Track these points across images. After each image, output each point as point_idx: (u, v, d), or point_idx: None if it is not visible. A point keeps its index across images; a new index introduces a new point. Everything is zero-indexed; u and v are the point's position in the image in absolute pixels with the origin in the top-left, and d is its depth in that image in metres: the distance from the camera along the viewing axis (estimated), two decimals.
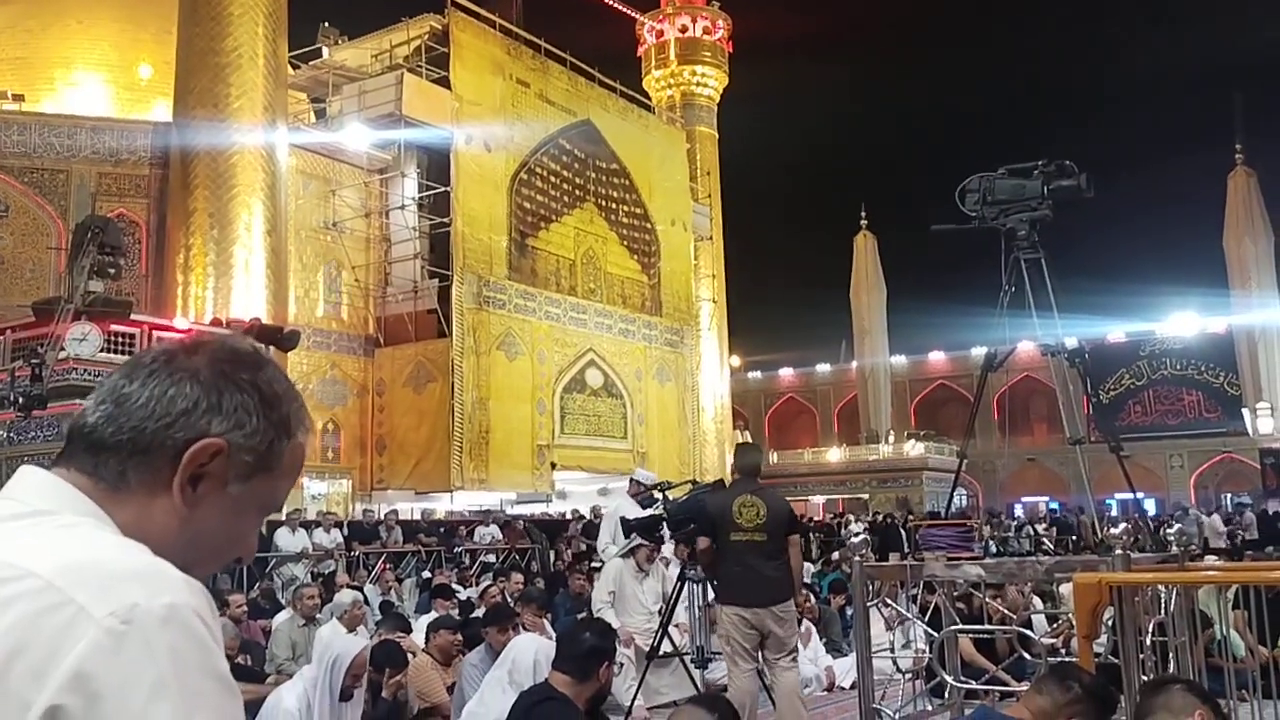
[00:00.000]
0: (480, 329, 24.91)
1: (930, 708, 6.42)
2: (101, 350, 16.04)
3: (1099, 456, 8.39)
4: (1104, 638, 5.30)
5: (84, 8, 25.66)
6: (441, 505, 24.52)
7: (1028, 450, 45.09)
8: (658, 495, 8.13)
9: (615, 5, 37.18)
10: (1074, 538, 22.20)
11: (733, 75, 38.57)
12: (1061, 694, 3.17)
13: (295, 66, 25.45)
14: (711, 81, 37.89)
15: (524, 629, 7.27)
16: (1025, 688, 3.87)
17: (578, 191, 29.07)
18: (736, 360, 43.14)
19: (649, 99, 36.01)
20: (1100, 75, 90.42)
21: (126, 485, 1.02)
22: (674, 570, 8.68)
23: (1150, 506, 35.26)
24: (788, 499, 7.23)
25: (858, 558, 5.96)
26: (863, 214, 47.53)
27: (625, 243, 30.72)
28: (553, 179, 28.25)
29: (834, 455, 46.01)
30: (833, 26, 79.49)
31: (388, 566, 15.33)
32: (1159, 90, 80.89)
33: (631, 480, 10.03)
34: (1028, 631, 7.01)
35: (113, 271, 16.88)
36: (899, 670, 6.86)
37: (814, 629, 9.87)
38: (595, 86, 30.42)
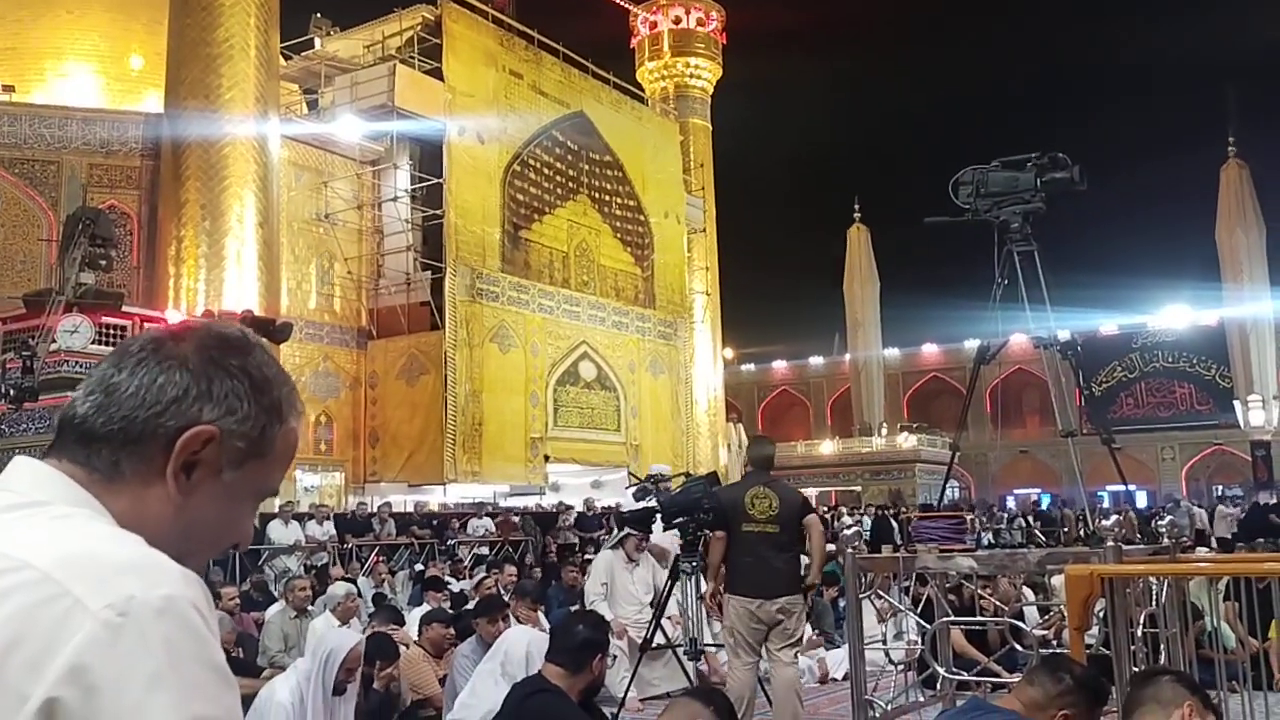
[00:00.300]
0: (473, 321, 24.89)
1: (922, 699, 6.44)
2: (93, 342, 16.01)
3: (1091, 449, 8.41)
4: (1095, 629, 5.32)
5: None
6: (434, 498, 24.50)
7: (1020, 443, 45.21)
8: (651, 487, 8.13)
9: None
10: (1059, 529, 22.27)
11: (726, 67, 38.53)
12: (1053, 685, 3.17)
13: (287, 57, 25.35)
14: (705, 73, 37.84)
15: (517, 622, 7.27)
16: (1017, 679, 3.88)
17: (571, 184, 29.03)
18: (730, 353, 43.18)
19: (642, 91, 35.95)
20: (1094, 68, 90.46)
21: (120, 475, 1.02)
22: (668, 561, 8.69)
23: (1142, 499, 35.45)
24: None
25: (850, 550, 5.98)
26: (856, 207, 47.61)
27: (618, 235, 30.70)
28: (546, 171, 28.20)
29: (827, 447, 46.09)
30: (826, 19, 79.38)
31: (381, 559, 15.32)
32: (1152, 83, 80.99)
33: (649, 476, 10.02)
34: (1019, 623, 7.04)
35: (104, 263, 16.85)
36: (891, 662, 6.88)
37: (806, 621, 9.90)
38: (588, 78, 30.37)
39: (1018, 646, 6.96)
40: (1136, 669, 4.54)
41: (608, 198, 30.37)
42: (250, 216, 20.64)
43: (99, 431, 1.03)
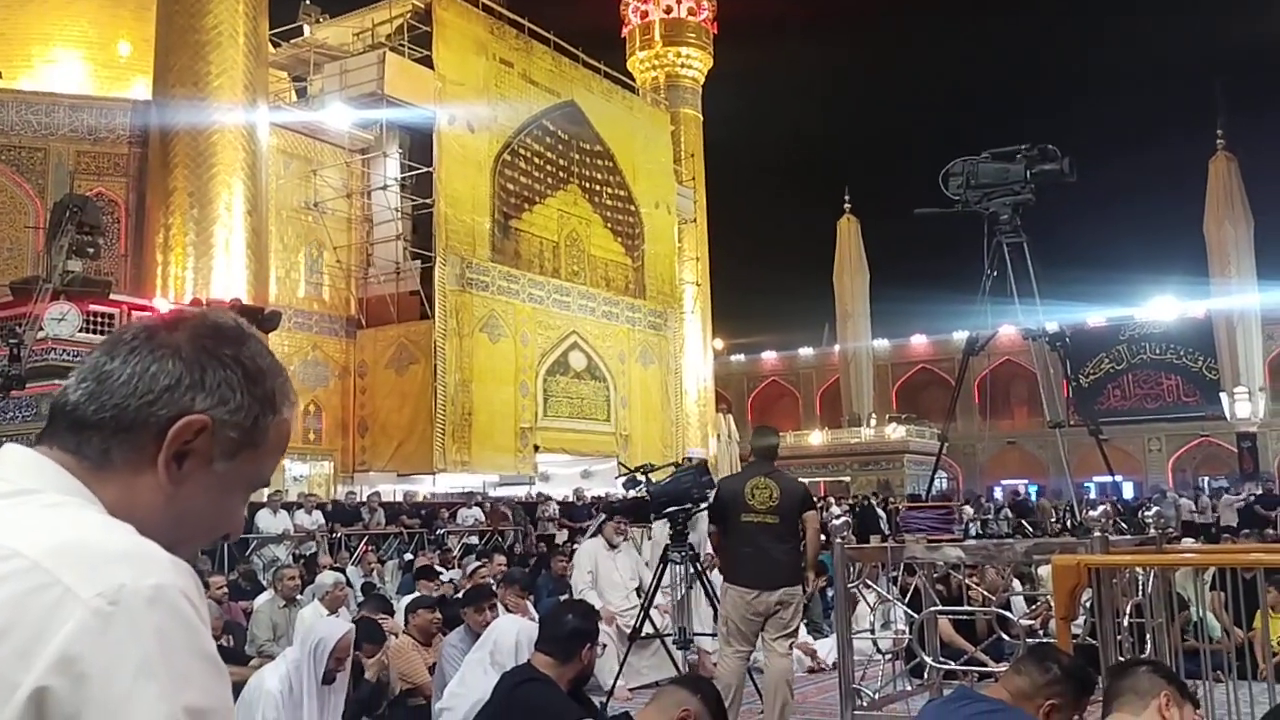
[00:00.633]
0: (463, 311, 24.85)
1: (909, 688, 6.47)
2: (80, 330, 15.95)
3: (1078, 440, 8.44)
4: (1081, 619, 5.35)
5: None
6: (424, 487, 24.50)
7: (1008, 433, 45.34)
8: (640, 478, 8.14)
9: None
10: (1035, 520, 22.35)
11: (717, 57, 38.49)
12: (1040, 675, 3.19)
13: (276, 44, 25.24)
14: (696, 63, 37.78)
15: (506, 610, 7.28)
16: (1004, 668, 3.91)
17: (561, 173, 28.98)
18: (720, 343, 43.20)
19: (633, 80, 35.89)
20: (1083, 60, 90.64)
21: (110, 463, 1.01)
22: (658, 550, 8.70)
23: (1128, 489, 35.61)
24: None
25: (839, 540, 6.00)
26: (846, 197, 47.61)
27: (609, 225, 30.67)
28: (536, 160, 28.15)
29: (816, 438, 46.18)
30: (817, 9, 79.29)
31: (370, 548, 15.31)
32: (1141, 75, 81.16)
33: (684, 459, 10.00)
34: (1006, 613, 7.08)
35: (91, 251, 16.78)
36: (879, 651, 6.91)
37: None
38: (579, 67, 30.30)
39: (1005, 636, 6.99)
40: (1123, 659, 4.57)
41: (598, 187, 30.33)
42: (239, 204, 20.56)
43: (90, 419, 1.02)
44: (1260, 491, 21.90)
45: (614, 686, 7.41)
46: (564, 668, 4.17)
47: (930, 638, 6.26)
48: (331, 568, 11.32)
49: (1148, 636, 5.00)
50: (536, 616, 7.15)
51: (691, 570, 7.36)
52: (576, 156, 29.57)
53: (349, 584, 10.46)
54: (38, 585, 0.86)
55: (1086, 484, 27.07)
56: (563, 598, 8.46)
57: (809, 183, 77.22)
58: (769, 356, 54.33)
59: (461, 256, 24.98)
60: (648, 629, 7.62)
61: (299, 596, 8.59)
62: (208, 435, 1.03)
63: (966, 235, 7.75)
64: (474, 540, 17.73)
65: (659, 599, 7.99)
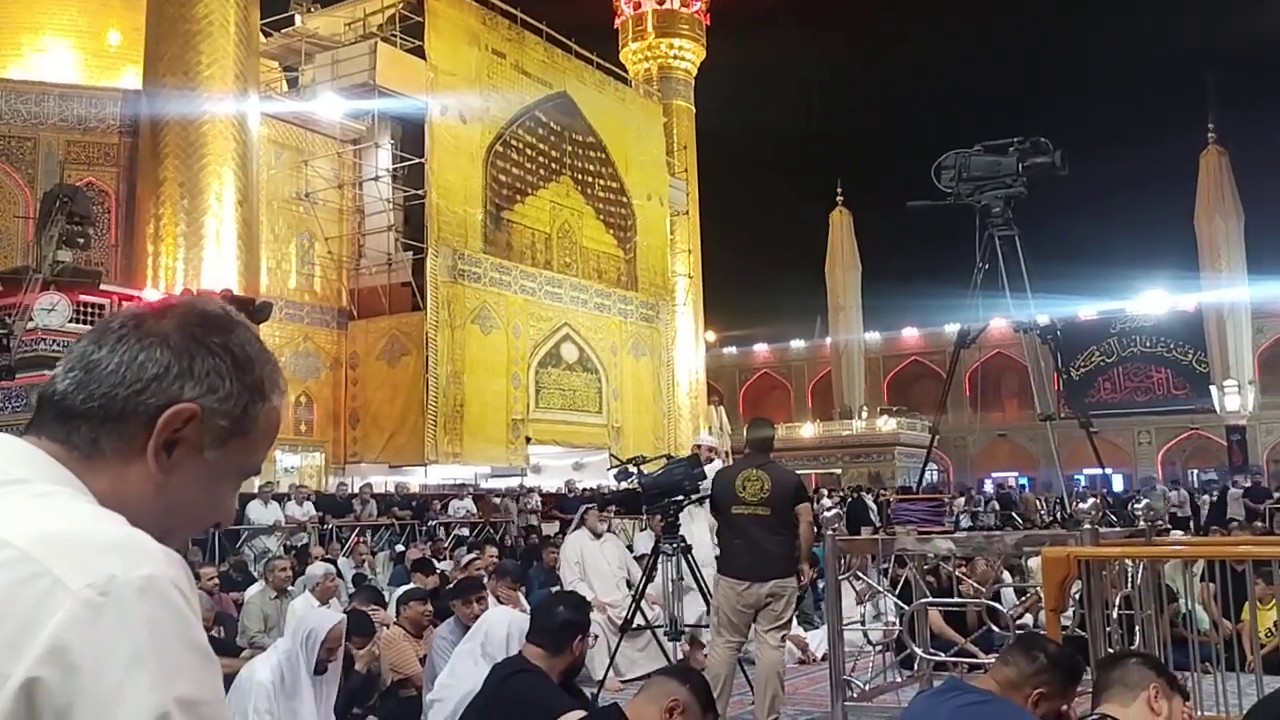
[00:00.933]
0: (455, 302, 24.81)
1: (900, 679, 6.49)
2: (70, 320, 15.89)
3: (1069, 432, 8.48)
4: (1071, 611, 5.37)
5: None
6: (415, 479, 24.48)
7: (999, 426, 45.47)
8: (632, 469, 8.14)
9: None
10: (1017, 513, 22.46)
11: (710, 49, 38.42)
12: (1028, 664, 3.20)
13: (267, 34, 25.12)
14: (689, 55, 37.71)
15: (498, 601, 7.28)
16: (994, 660, 3.92)
17: (554, 165, 28.93)
18: (712, 335, 43.21)
19: (626, 72, 35.82)
20: (1076, 54, 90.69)
21: (100, 453, 1.01)
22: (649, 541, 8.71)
23: (1118, 482, 35.74)
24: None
25: (829, 532, 6.01)
26: (838, 190, 47.62)
27: (601, 217, 30.64)
28: (528, 152, 28.09)
29: (807, 430, 46.26)
30: (810, 2, 79.24)
31: (361, 539, 15.31)
32: (1134, 69, 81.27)
33: (696, 447, 9.93)
34: (996, 605, 7.10)
35: (81, 241, 16.72)
36: (869, 642, 6.93)
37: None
38: (572, 58, 30.23)
39: (994, 628, 7.02)
40: (1112, 650, 4.59)
41: (590, 179, 30.29)
42: (229, 195, 20.49)
43: (79, 409, 1.02)
44: (1250, 484, 22.01)
45: (605, 678, 7.42)
46: (555, 659, 4.18)
47: (920, 629, 6.28)
48: (323, 559, 11.32)
49: (1137, 628, 5.02)
50: (528, 608, 7.16)
51: (683, 562, 7.36)
52: (569, 148, 29.52)
53: (340, 575, 10.46)
54: (27, 576, 0.86)
55: (1076, 476, 27.16)
56: (554, 589, 8.46)
57: (801, 175, 77.28)
58: (761, 349, 54.39)
59: (453, 248, 24.93)
60: (639, 620, 7.63)
61: (290, 588, 8.58)
62: (197, 424, 1.03)
63: (959, 228, 7.77)
64: (465, 532, 17.74)
65: (651, 589, 8.00)
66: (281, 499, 16.38)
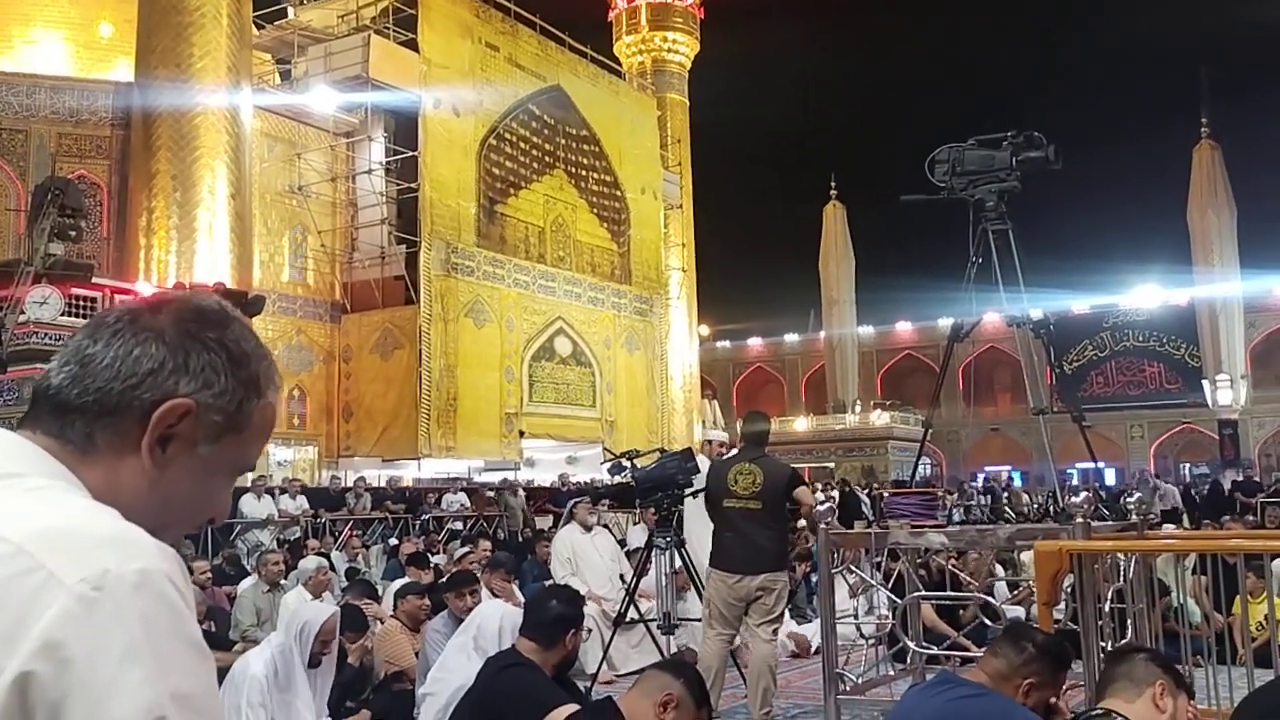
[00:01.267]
0: (448, 296, 24.78)
1: (892, 672, 6.51)
2: (62, 314, 15.85)
3: (1061, 426, 8.50)
4: (1063, 604, 5.39)
5: None
6: (409, 472, 24.48)
7: (992, 420, 45.57)
8: (626, 463, 8.15)
9: None
10: (1000, 507, 22.54)
11: (704, 42, 38.38)
12: (1016, 655, 3.21)
13: (260, 26, 25.03)
14: (683, 48, 37.66)
15: (491, 594, 7.29)
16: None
17: (547, 158, 28.89)
18: (705, 329, 43.22)
19: (620, 65, 35.76)
20: (1069, 48, 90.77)
21: (94, 447, 1.01)
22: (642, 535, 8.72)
23: (1111, 476, 35.84)
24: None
25: (823, 525, 6.01)
26: (832, 184, 47.61)
27: (595, 210, 30.61)
28: (522, 145, 28.05)
29: (801, 424, 46.29)
30: None
31: (355, 533, 15.30)
32: (1127, 64, 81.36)
33: (705, 443, 9.99)
34: (989, 598, 7.13)
35: (73, 234, 16.64)
36: (862, 636, 6.94)
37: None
38: (565, 51, 30.18)
39: (987, 622, 7.04)
40: (1104, 644, 4.61)
41: (584, 173, 30.25)
42: (222, 188, 20.42)
43: (73, 403, 1.01)
44: (1242, 478, 22.09)
45: (598, 671, 7.43)
46: (548, 653, 4.18)
47: (913, 623, 6.30)
48: (317, 553, 11.32)
49: (1129, 622, 5.04)
50: (522, 601, 7.16)
51: (677, 555, 7.37)
52: (562, 141, 29.47)
53: (333, 569, 10.45)
54: (21, 570, 0.86)
55: (1069, 470, 27.25)
56: (548, 583, 8.47)
57: (795, 169, 77.28)
58: (754, 343, 54.42)
59: (447, 241, 24.89)
60: (632, 614, 7.64)
61: (283, 582, 8.58)
62: (192, 419, 1.03)
63: (952, 222, 7.78)
64: (458, 525, 17.73)
65: (645, 583, 8.01)
66: (274, 492, 16.37)
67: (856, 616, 6.95)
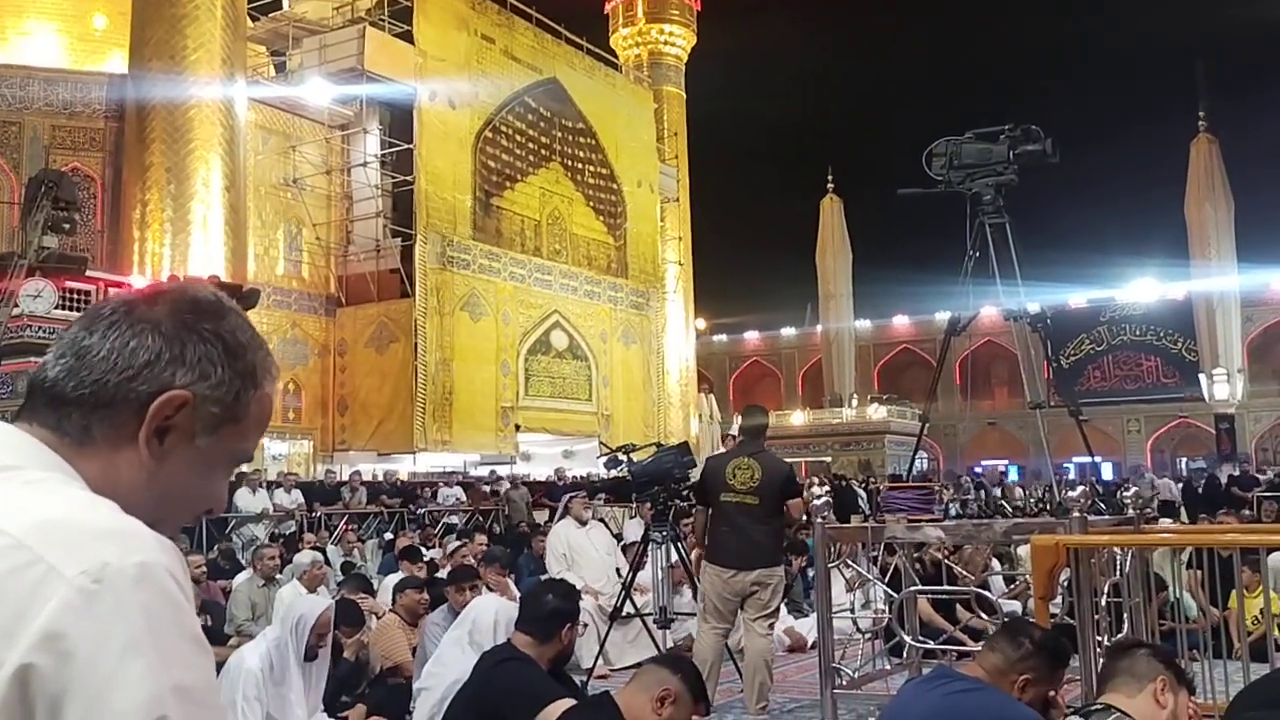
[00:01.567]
0: (444, 289, 24.75)
1: (889, 666, 6.51)
2: (56, 307, 15.82)
3: (1058, 421, 8.49)
4: (1060, 598, 5.39)
5: None
6: (404, 466, 24.47)
7: (988, 414, 45.62)
8: (622, 457, 8.14)
9: None
10: (992, 501, 22.58)
11: (701, 34, 38.32)
12: (1013, 650, 3.21)
13: (254, 18, 24.97)
14: (679, 40, 37.60)
15: (488, 588, 7.28)
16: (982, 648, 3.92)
17: (543, 151, 28.84)
18: (702, 323, 43.21)
19: (616, 57, 35.69)
20: (1067, 42, 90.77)
21: (91, 439, 1.01)
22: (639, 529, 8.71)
23: (1107, 470, 35.91)
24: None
25: (819, 520, 6.01)
26: (829, 177, 47.59)
27: (591, 204, 30.57)
28: (518, 138, 28.00)
29: (797, 418, 46.31)
30: None
31: (350, 527, 15.28)
32: (1124, 57, 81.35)
33: (728, 436, 9.93)
34: (985, 592, 7.13)
35: (67, 227, 16.63)
36: (859, 630, 6.94)
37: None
38: (561, 44, 30.12)
39: (983, 615, 7.04)
40: (1100, 638, 4.61)
41: (580, 166, 30.21)
42: (216, 180, 20.38)
43: (69, 395, 1.01)
44: (1239, 472, 22.12)
45: (594, 666, 7.43)
46: (544, 647, 4.17)
47: (910, 617, 6.30)
48: (312, 547, 11.31)
49: (1125, 616, 5.04)
50: (518, 595, 7.16)
51: (673, 550, 7.37)
52: (559, 134, 29.43)
53: (328, 563, 10.45)
54: (21, 563, 0.85)
55: (1066, 464, 27.31)
56: (544, 577, 8.46)
57: (792, 162, 77.29)
58: (751, 336, 54.43)
59: (442, 234, 24.86)
60: (628, 608, 7.64)
61: (278, 576, 8.57)
62: (189, 411, 1.02)
63: (949, 216, 7.77)
64: (454, 520, 17.72)
65: (641, 577, 8.00)
66: (270, 486, 16.35)
67: (853, 611, 6.95)
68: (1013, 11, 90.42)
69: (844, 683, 5.88)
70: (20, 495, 0.92)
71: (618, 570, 8.90)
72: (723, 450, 8.17)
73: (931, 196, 7.52)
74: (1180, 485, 23.29)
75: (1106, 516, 6.24)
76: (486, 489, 19.67)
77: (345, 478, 18.82)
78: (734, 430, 10.29)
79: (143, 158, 20.29)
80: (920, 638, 6.27)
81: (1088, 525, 5.00)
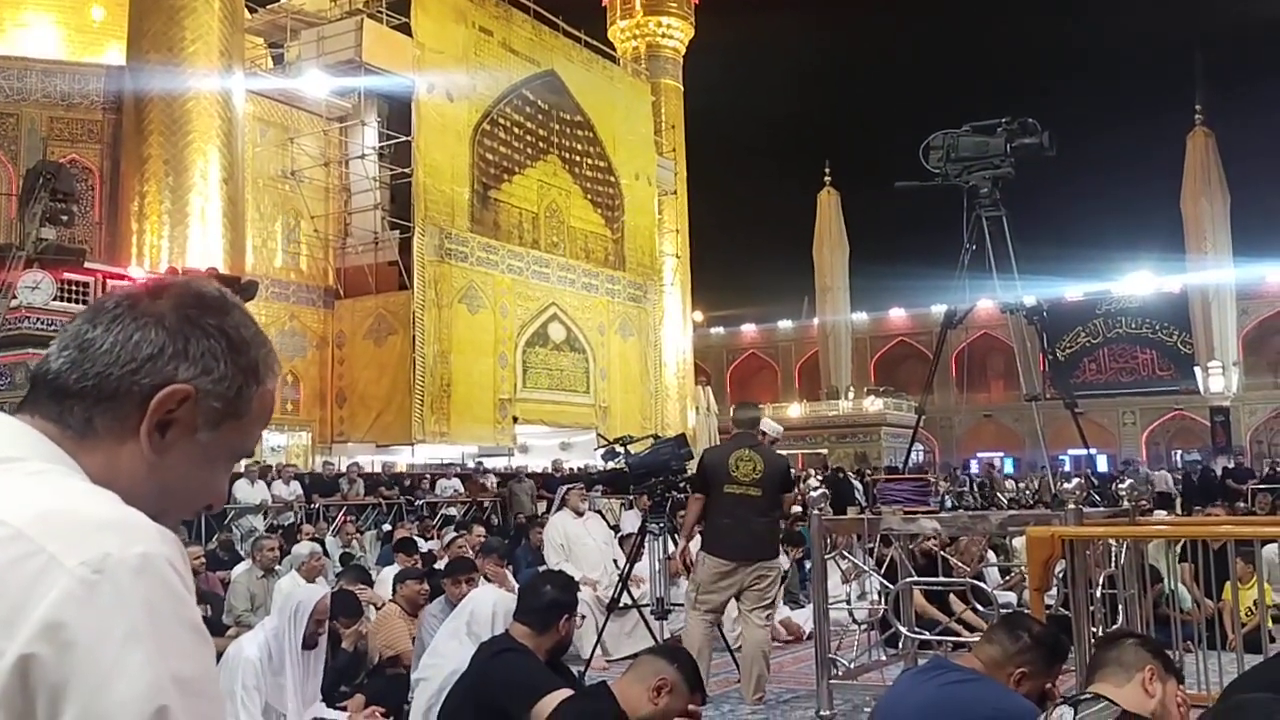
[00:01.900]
0: (442, 281, 24.74)
1: (884, 657, 6.55)
2: (54, 299, 15.80)
3: (1054, 413, 8.54)
4: (1055, 590, 5.42)
5: None
6: (402, 458, 24.47)
7: (985, 407, 45.66)
8: (619, 449, 8.16)
9: None
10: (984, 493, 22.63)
11: (699, 27, 38.21)
12: (1011, 643, 3.23)
13: (252, 10, 24.90)
14: (677, 33, 37.51)
15: (485, 579, 7.30)
16: (978, 639, 3.95)
17: (541, 143, 28.81)
18: (699, 316, 43.20)
19: (614, 50, 35.61)
20: (1063, 35, 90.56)
21: (93, 432, 1.01)
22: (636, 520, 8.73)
23: (1103, 462, 35.95)
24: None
25: (816, 512, 6.03)
26: (826, 170, 47.54)
27: (589, 196, 30.54)
28: (516, 130, 27.96)
29: (794, 411, 46.29)
30: None
31: (349, 519, 15.31)
32: (1120, 50, 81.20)
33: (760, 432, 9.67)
34: (981, 584, 7.15)
35: (65, 219, 16.61)
36: (855, 621, 6.98)
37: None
38: (559, 36, 30.06)
39: (979, 607, 7.07)
40: (1095, 629, 4.63)
41: (578, 158, 30.17)
42: (214, 172, 20.35)
43: (72, 388, 1.02)
44: (1234, 465, 22.18)
45: (591, 657, 7.46)
46: (541, 638, 4.19)
47: (905, 608, 6.33)
48: (311, 538, 11.32)
49: (1120, 607, 5.07)
50: (516, 586, 7.18)
51: (670, 541, 7.39)
52: (556, 127, 29.38)
53: (327, 554, 10.46)
54: (22, 554, 0.86)
55: (1062, 456, 27.35)
56: (541, 568, 8.48)
57: (790, 155, 77.12)
58: (748, 329, 54.41)
59: (440, 227, 24.84)
60: (625, 599, 7.66)
61: (277, 567, 8.58)
62: (191, 405, 1.03)
63: (946, 209, 7.78)
64: (452, 511, 17.75)
65: (638, 568, 8.02)
66: (268, 478, 16.36)
67: (849, 602, 6.99)
68: (1011, 6, 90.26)
69: (840, 673, 5.92)
70: (22, 487, 0.92)
71: (615, 561, 8.93)
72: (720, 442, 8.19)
73: (929, 189, 7.54)
74: (1179, 477, 23.35)
75: (1101, 508, 6.27)
76: (480, 480, 19.67)
77: (344, 469, 18.83)
78: (765, 428, 10.18)
79: (141, 150, 20.25)
80: (916, 629, 6.31)
81: (1083, 517, 5.03)
